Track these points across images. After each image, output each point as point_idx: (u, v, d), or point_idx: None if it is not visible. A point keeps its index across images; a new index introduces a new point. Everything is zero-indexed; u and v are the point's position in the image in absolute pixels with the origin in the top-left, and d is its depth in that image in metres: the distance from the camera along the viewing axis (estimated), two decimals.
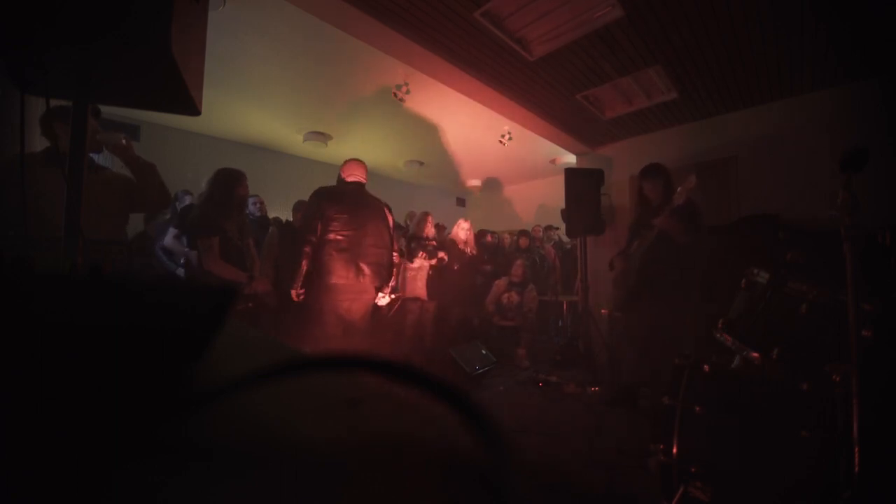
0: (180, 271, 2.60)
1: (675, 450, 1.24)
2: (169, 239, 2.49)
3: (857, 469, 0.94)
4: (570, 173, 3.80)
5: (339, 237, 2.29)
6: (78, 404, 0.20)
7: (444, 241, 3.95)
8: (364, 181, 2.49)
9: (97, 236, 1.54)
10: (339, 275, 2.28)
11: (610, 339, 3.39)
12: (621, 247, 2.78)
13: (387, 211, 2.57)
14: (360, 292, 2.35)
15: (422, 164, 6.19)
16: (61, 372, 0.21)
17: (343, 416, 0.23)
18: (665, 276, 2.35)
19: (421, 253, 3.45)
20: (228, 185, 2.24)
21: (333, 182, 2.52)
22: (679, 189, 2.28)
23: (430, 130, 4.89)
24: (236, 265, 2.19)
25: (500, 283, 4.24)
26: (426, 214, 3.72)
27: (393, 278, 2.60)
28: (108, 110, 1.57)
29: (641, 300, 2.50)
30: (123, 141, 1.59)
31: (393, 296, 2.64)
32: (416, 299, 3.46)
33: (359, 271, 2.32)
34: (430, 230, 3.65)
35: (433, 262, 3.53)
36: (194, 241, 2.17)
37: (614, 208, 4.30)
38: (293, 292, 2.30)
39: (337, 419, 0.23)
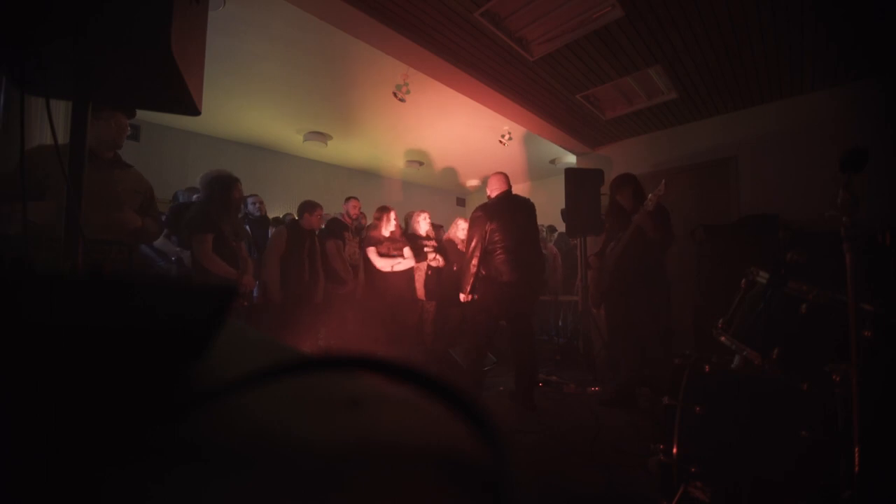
0: (172, 269, 2.66)
1: (675, 450, 1.24)
2: (159, 238, 2.55)
3: (857, 469, 0.94)
4: (570, 173, 3.80)
5: None
6: (76, 405, 0.20)
7: (443, 242, 3.94)
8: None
9: (119, 231, 1.61)
10: None
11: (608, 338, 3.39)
12: (598, 248, 2.95)
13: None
14: None
15: (422, 164, 6.19)
16: (60, 372, 0.21)
17: (343, 416, 0.23)
18: (634, 274, 2.55)
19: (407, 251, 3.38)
20: (227, 188, 2.42)
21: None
22: (650, 196, 2.48)
23: (430, 130, 4.89)
24: (228, 264, 2.36)
25: None
26: (418, 212, 3.72)
27: None
28: None
29: (613, 297, 2.71)
30: None
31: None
32: (415, 300, 3.45)
33: None
34: (421, 229, 3.62)
35: (423, 262, 3.49)
36: (189, 238, 2.31)
37: None
38: None
39: (337, 419, 0.23)
